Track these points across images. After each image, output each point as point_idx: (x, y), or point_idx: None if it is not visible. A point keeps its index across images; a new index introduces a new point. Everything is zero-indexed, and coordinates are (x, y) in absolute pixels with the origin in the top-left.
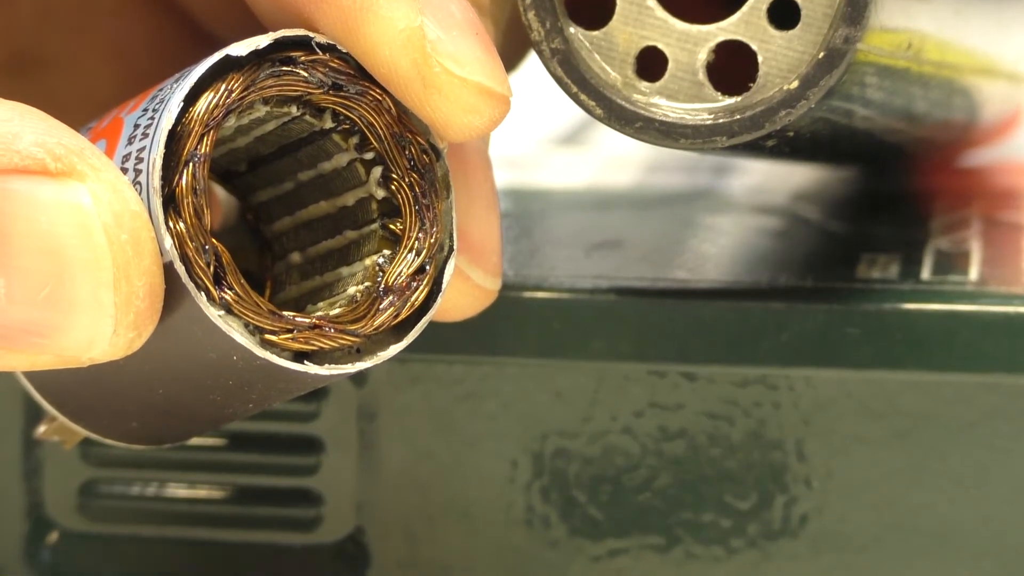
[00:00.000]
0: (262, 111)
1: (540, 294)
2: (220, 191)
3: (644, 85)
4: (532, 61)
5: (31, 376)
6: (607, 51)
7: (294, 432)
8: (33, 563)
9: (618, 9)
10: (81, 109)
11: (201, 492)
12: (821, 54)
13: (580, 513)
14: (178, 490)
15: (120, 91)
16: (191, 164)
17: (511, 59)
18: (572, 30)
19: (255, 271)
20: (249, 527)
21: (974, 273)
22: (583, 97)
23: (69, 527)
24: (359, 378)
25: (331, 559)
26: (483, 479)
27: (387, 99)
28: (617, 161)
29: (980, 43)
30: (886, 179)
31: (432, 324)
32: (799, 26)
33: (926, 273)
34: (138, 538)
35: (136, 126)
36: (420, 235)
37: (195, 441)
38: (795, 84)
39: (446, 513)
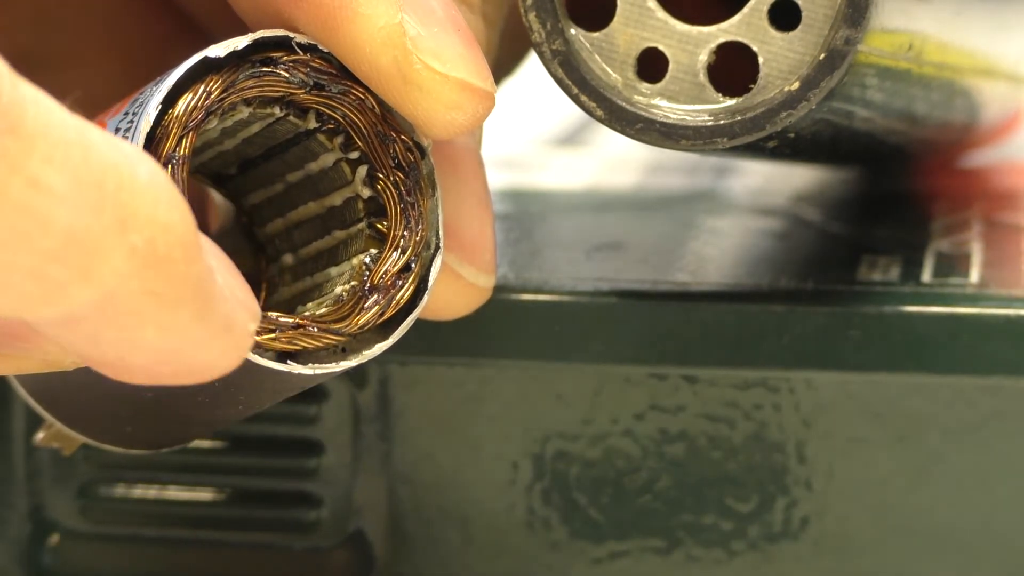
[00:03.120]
0: (245, 112)
1: (541, 296)
2: (216, 195)
3: (645, 86)
4: (532, 62)
5: (24, 382)
6: (608, 52)
7: (294, 435)
8: (34, 565)
9: (619, 10)
10: (81, 109)
11: (201, 495)
12: (822, 55)
13: (581, 515)
14: (178, 492)
15: (120, 91)
16: (170, 166)
17: (511, 60)
18: (573, 31)
19: (251, 274)
20: (248, 530)
21: (975, 275)
22: (584, 98)
23: (70, 529)
24: (359, 381)
25: (330, 562)
26: (484, 481)
27: (370, 97)
28: (618, 162)
29: (981, 44)
30: (887, 181)
31: (432, 325)
32: (800, 27)
33: (927, 275)
34: (139, 540)
35: (117, 130)
36: (405, 233)
37: (195, 444)
38: (796, 85)
39: (446, 516)
